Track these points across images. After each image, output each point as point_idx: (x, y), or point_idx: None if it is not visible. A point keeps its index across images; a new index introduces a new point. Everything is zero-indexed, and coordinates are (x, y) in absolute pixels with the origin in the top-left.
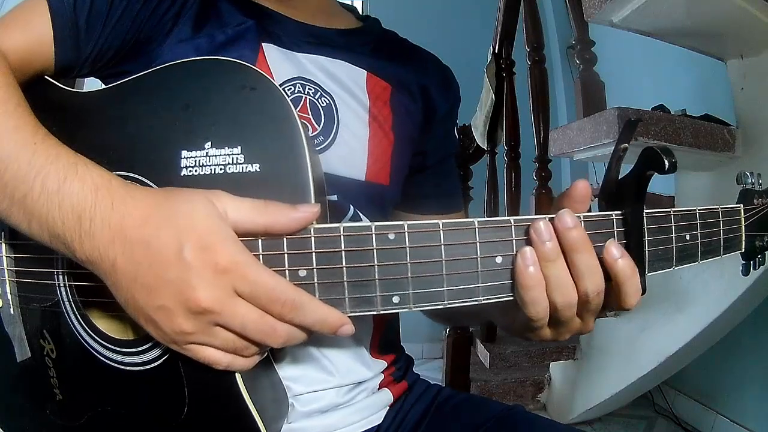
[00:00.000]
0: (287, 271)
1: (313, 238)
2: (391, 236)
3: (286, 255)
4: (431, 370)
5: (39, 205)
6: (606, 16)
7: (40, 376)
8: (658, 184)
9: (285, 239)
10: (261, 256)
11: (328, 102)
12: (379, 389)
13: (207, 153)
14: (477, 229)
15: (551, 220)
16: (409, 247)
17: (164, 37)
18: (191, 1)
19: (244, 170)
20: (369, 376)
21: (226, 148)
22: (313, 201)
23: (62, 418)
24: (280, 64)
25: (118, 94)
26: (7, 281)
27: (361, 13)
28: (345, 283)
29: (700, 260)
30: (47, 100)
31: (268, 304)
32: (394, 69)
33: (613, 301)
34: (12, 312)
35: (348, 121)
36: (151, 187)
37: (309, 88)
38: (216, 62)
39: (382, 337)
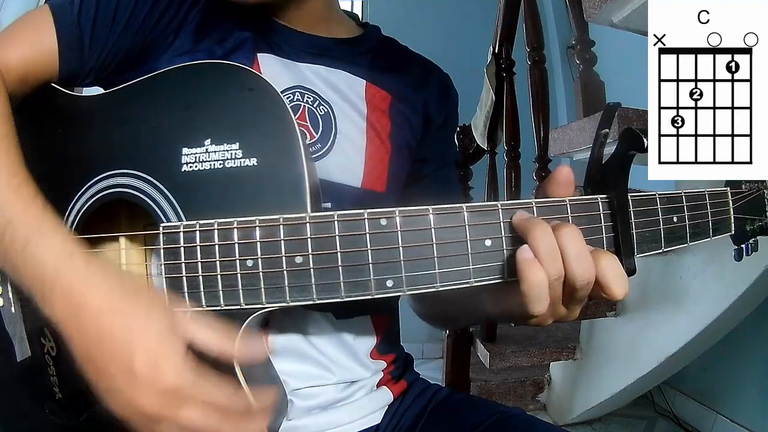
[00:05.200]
0: (284, 258)
1: (308, 224)
2: (383, 221)
3: (282, 242)
4: (431, 370)
5: (9, 253)
6: (606, 16)
7: (40, 375)
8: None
9: (282, 226)
10: (258, 243)
11: (326, 110)
12: (377, 387)
13: (207, 149)
14: (465, 213)
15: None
16: (401, 231)
17: (165, 48)
18: (192, 14)
19: (242, 164)
20: (367, 375)
21: (225, 144)
22: (308, 190)
23: (61, 417)
24: (278, 73)
25: (121, 97)
26: (9, 279)
27: (361, 11)
28: (340, 268)
29: (690, 242)
30: (52, 104)
31: (213, 415)
32: (393, 79)
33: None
34: (13, 310)
35: (346, 130)
36: (152, 183)
37: (308, 97)
38: (216, 65)
39: (382, 341)
